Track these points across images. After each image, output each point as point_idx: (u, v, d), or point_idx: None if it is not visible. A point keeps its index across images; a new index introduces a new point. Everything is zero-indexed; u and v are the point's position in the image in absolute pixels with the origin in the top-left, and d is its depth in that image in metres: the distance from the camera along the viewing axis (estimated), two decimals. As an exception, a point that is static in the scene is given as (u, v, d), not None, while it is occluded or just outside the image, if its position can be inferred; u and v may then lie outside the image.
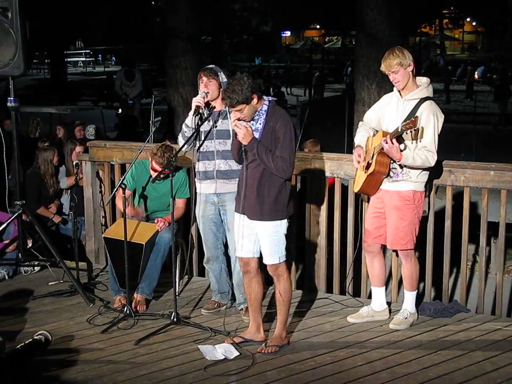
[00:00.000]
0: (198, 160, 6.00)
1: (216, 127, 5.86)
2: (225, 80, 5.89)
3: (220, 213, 6.02)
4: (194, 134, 5.82)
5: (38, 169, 8.34)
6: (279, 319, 5.39)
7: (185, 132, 5.88)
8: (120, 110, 17.24)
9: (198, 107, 5.79)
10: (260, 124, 5.13)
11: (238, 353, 5.26)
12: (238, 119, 5.08)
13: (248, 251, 5.34)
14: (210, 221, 6.04)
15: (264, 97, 5.16)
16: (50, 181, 8.39)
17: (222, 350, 5.30)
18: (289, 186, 5.20)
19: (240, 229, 5.31)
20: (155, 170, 6.29)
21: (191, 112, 5.82)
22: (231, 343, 5.39)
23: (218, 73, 5.90)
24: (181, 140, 5.94)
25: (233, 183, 5.82)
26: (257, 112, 5.12)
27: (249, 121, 5.12)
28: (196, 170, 6.08)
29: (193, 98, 5.83)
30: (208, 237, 6.09)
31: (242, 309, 6.05)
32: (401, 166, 5.52)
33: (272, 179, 5.09)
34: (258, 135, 5.11)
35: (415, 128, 5.22)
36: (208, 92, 5.82)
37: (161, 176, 6.29)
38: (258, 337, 5.44)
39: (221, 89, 5.71)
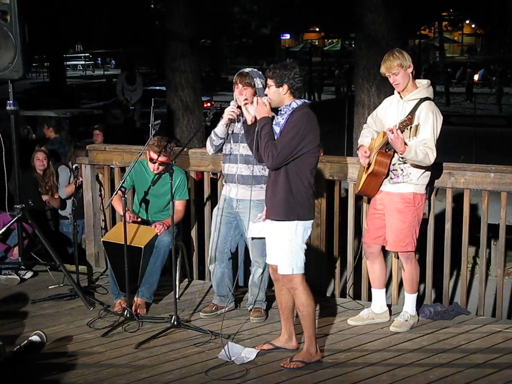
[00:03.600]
0: (223, 162, 6.01)
1: (239, 130, 5.81)
2: (260, 86, 5.69)
3: (236, 218, 5.99)
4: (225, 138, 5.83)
5: (31, 171, 8.44)
6: (305, 334, 5.17)
7: (214, 140, 5.84)
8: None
9: (230, 119, 5.73)
10: (283, 119, 5.02)
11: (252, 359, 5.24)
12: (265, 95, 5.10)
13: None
14: (224, 222, 6.00)
15: (303, 100, 5.05)
16: (39, 180, 8.53)
17: (244, 354, 5.29)
18: (305, 189, 4.97)
19: (268, 235, 5.22)
20: (152, 161, 6.30)
21: (223, 123, 5.75)
22: (260, 350, 5.34)
23: (255, 79, 5.72)
24: (208, 146, 5.91)
25: (253, 190, 5.65)
26: (285, 107, 5.01)
27: (276, 115, 5.09)
28: (222, 171, 6.11)
29: (226, 109, 5.71)
30: (215, 238, 6.05)
31: (251, 309, 6.06)
32: (400, 162, 5.51)
33: (287, 178, 4.95)
34: (279, 128, 5.01)
35: (411, 126, 5.24)
36: (245, 102, 5.49)
37: (160, 167, 6.30)
38: (290, 346, 5.35)
39: (256, 96, 5.56)
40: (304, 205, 5.00)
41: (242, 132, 5.68)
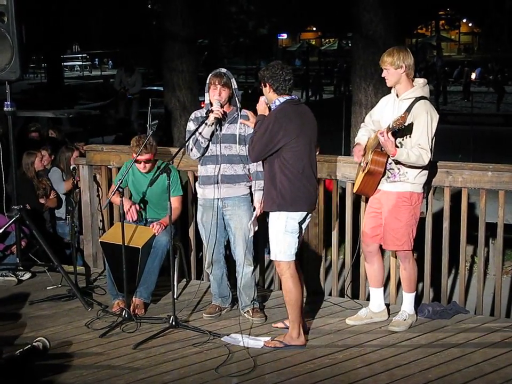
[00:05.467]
0: (201, 165, 5.99)
1: (219, 130, 5.82)
2: (236, 86, 5.89)
3: (223, 218, 6.00)
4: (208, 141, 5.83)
5: (24, 174, 8.43)
6: (289, 318, 5.45)
7: (202, 142, 5.81)
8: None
9: (217, 119, 5.73)
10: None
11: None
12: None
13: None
14: (213, 226, 5.99)
15: (286, 97, 5.32)
16: (35, 182, 8.51)
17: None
18: (289, 181, 5.23)
19: None
20: (138, 162, 6.30)
21: (209, 123, 5.74)
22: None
23: (231, 80, 5.85)
24: (195, 151, 5.87)
25: (238, 187, 5.89)
26: (272, 104, 5.37)
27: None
28: (198, 174, 6.07)
29: (212, 109, 5.72)
30: (211, 242, 6.04)
31: (248, 310, 6.05)
32: (396, 162, 5.51)
33: (274, 170, 5.27)
34: None
35: (405, 125, 5.24)
36: (222, 101, 5.78)
37: (147, 166, 6.34)
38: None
39: (234, 96, 5.86)
40: (287, 196, 5.27)
41: (222, 133, 5.83)
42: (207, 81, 5.86)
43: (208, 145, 5.84)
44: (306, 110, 5.46)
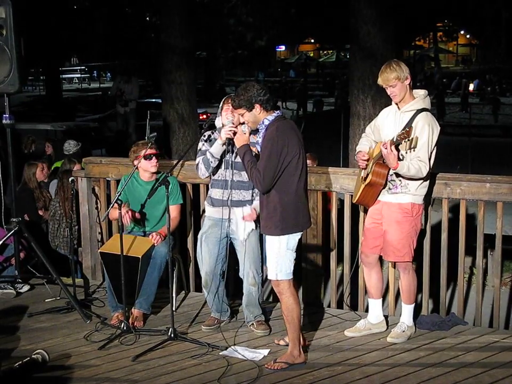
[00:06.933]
0: (211, 187, 6.02)
1: (231, 156, 5.80)
2: None
3: (227, 236, 5.98)
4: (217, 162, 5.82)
5: (25, 185, 8.46)
6: (289, 337, 5.34)
7: (211, 161, 5.80)
8: None
9: (228, 139, 5.67)
10: (260, 138, 5.21)
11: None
12: (243, 123, 5.27)
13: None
14: (213, 242, 5.99)
15: (274, 112, 5.16)
16: (36, 193, 8.59)
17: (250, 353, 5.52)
18: (287, 202, 5.11)
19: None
20: (150, 157, 6.35)
21: (219, 142, 5.72)
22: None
23: None
24: (203, 169, 5.87)
25: (245, 210, 5.85)
26: (259, 125, 5.17)
27: (255, 133, 5.26)
28: (208, 195, 6.09)
29: (223, 129, 5.68)
30: (211, 260, 6.01)
31: (253, 323, 6.03)
32: (397, 175, 5.53)
33: (272, 194, 5.12)
34: (260, 147, 5.21)
35: (409, 138, 5.26)
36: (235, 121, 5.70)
37: (157, 162, 6.38)
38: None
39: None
40: (290, 219, 5.16)
41: (235, 160, 5.76)
42: (220, 105, 5.87)
43: (218, 166, 5.85)
44: (294, 125, 5.33)
